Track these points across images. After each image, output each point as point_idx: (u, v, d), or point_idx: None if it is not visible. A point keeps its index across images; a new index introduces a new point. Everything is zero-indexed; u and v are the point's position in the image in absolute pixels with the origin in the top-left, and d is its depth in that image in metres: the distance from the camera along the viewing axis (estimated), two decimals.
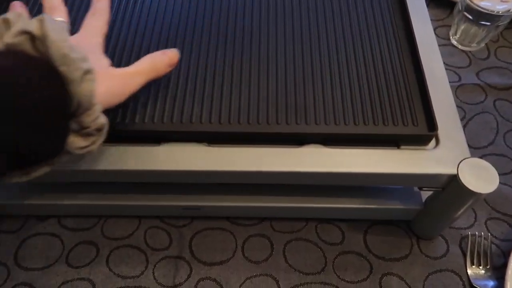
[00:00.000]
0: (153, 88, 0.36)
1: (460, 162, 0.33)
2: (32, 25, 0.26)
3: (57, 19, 0.33)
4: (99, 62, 0.32)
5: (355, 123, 0.35)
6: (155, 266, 0.41)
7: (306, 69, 0.37)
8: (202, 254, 0.42)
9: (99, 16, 0.35)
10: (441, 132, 0.35)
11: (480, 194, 0.33)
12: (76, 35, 0.33)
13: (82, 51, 0.27)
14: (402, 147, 0.35)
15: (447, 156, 0.34)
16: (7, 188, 0.41)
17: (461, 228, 0.43)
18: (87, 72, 0.27)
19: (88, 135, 0.28)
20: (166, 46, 0.39)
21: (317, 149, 0.35)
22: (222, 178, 0.35)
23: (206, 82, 0.37)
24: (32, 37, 0.26)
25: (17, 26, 0.26)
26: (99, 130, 0.28)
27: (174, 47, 0.38)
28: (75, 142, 0.28)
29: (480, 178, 0.33)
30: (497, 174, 0.33)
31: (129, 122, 0.35)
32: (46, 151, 0.27)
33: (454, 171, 0.33)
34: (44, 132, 0.25)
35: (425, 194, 0.40)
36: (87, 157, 0.34)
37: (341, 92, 0.36)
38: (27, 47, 0.26)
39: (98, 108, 0.28)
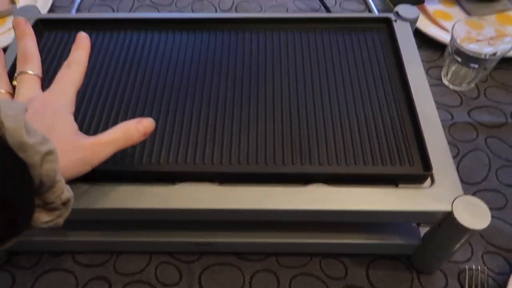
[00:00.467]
0: (167, 130, 0.39)
1: (454, 199, 0.36)
2: None
3: (28, 71, 0.34)
4: (65, 130, 0.31)
5: (355, 164, 0.37)
6: None
7: (309, 114, 0.40)
8: None
9: (75, 67, 0.35)
10: (435, 171, 0.37)
11: (473, 230, 0.35)
12: (45, 92, 0.33)
13: (40, 133, 0.26)
14: (400, 185, 0.37)
15: (442, 194, 0.37)
16: None
17: (459, 262, 0.45)
18: (48, 153, 0.26)
19: (53, 209, 0.28)
20: (179, 92, 0.42)
21: (321, 188, 0.37)
22: (232, 215, 0.37)
23: (217, 126, 0.40)
24: None
25: None
26: (64, 204, 0.28)
27: (188, 93, 0.41)
28: (40, 217, 0.27)
29: (474, 214, 0.35)
30: (489, 211, 0.35)
31: (146, 162, 0.37)
32: (10, 229, 0.26)
33: (449, 208, 0.36)
34: (8, 211, 0.25)
35: (423, 230, 0.42)
36: (105, 195, 0.36)
37: (342, 134, 0.39)
38: None
39: (61, 185, 0.27)
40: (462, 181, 0.50)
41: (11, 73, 0.38)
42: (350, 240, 0.42)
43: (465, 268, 0.44)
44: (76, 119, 0.34)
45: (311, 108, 0.41)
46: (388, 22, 0.49)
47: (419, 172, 0.37)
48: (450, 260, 0.45)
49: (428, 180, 0.38)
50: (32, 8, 0.52)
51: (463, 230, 0.35)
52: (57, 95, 0.33)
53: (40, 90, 0.35)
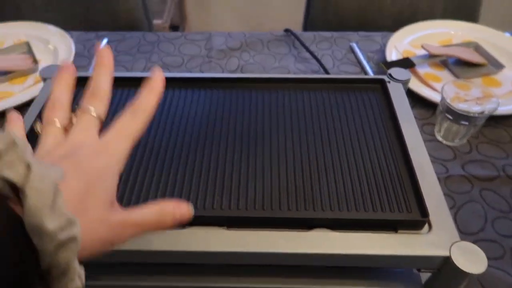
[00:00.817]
0: (179, 179, 0.42)
1: (452, 244, 0.38)
2: (16, 170, 0.22)
3: (92, 111, 0.30)
4: (101, 199, 0.26)
5: (356, 210, 0.40)
6: None
7: (312, 164, 0.43)
8: None
9: (141, 116, 0.31)
10: (432, 218, 0.39)
11: (472, 274, 0.36)
12: (100, 141, 0.29)
13: (67, 213, 0.22)
14: (400, 231, 0.39)
15: (439, 239, 0.38)
16: None
17: None
18: (69, 240, 0.22)
19: None
20: (189, 144, 0.46)
21: (324, 233, 0.39)
22: (238, 258, 0.39)
23: (226, 174, 0.42)
24: (12, 184, 0.22)
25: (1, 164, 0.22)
26: None
27: (198, 145, 0.44)
28: None
29: (471, 259, 0.37)
30: (485, 256, 0.37)
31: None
32: None
33: (447, 253, 0.37)
34: None
35: (424, 277, 0.43)
36: None
37: (343, 183, 0.42)
38: (6, 190, 0.22)
39: (73, 273, 0.23)
40: (460, 231, 0.52)
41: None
42: (352, 286, 0.43)
43: None
44: None
45: (314, 159, 0.44)
46: (382, 83, 0.54)
47: (417, 218, 0.39)
48: None
49: (426, 226, 0.40)
50: (57, 67, 0.57)
51: (462, 274, 0.36)
52: (112, 147, 0.29)
53: (96, 136, 0.30)
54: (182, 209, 0.30)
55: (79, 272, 0.24)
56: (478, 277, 0.48)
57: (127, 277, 0.44)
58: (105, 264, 0.44)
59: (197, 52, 0.81)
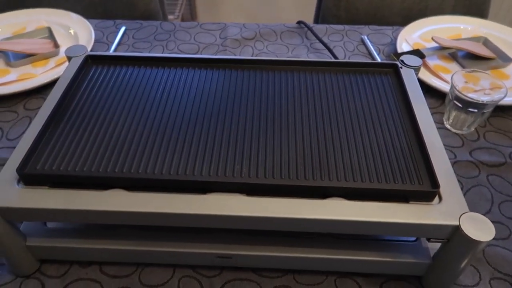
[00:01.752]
0: (200, 147, 0.44)
1: (461, 215, 0.39)
2: None
3: None
4: None
5: (370, 181, 0.41)
6: None
7: (328, 138, 0.45)
8: None
9: None
10: (443, 190, 0.41)
11: (480, 242, 0.38)
12: None
13: None
14: (411, 202, 0.41)
15: (449, 210, 0.40)
16: (51, 232, 0.46)
17: (468, 286, 0.47)
18: None
19: None
20: (216, 116, 0.48)
21: (338, 201, 0.41)
22: (258, 223, 0.41)
23: (245, 144, 0.44)
24: None
25: None
26: None
27: (225, 117, 0.47)
28: None
29: (479, 229, 0.39)
30: (493, 226, 0.39)
31: (181, 173, 0.42)
32: None
33: (456, 223, 0.39)
34: None
35: (433, 251, 0.45)
36: (143, 200, 0.40)
37: (357, 156, 0.44)
38: None
39: None
40: None
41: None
42: (364, 257, 0.45)
43: None
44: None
45: (329, 134, 0.46)
46: (395, 68, 0.56)
47: (428, 189, 0.41)
48: (459, 284, 0.47)
49: (436, 198, 0.41)
50: (81, 47, 0.59)
51: (471, 242, 0.38)
52: None
53: None
54: None
55: None
56: (485, 256, 0.49)
57: (145, 243, 0.46)
58: (125, 231, 0.46)
59: (212, 40, 0.83)
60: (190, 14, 2.09)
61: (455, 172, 0.59)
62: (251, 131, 0.46)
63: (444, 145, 0.63)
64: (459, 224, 0.39)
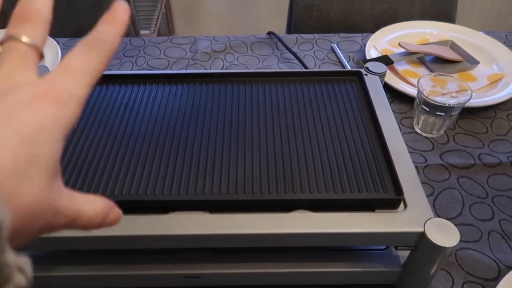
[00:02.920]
0: (163, 165, 0.43)
1: (426, 221, 0.39)
2: None
3: (23, 38, 0.21)
4: (42, 173, 0.19)
5: (335, 191, 0.41)
6: None
7: (292, 149, 0.45)
8: None
9: (97, 47, 0.22)
10: (407, 197, 0.41)
11: (445, 248, 0.38)
12: (43, 82, 0.20)
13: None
14: (377, 210, 0.41)
15: (414, 216, 0.40)
16: None
17: None
18: None
19: None
20: (173, 133, 0.47)
21: (304, 214, 0.40)
22: (222, 241, 0.40)
23: (208, 160, 0.44)
24: None
25: None
26: None
27: (182, 133, 0.46)
28: None
29: (444, 234, 0.38)
30: (457, 231, 0.39)
31: (141, 193, 0.40)
32: None
33: (421, 229, 0.39)
34: None
35: (403, 259, 0.45)
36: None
37: (321, 166, 0.43)
38: None
39: (9, 265, 0.16)
40: (438, 216, 0.53)
41: None
42: (335, 268, 0.44)
43: None
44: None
45: (293, 145, 0.46)
46: (359, 75, 0.56)
47: (393, 197, 0.41)
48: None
49: (402, 206, 0.41)
50: (42, 67, 0.58)
51: (437, 248, 0.38)
52: (60, 91, 0.20)
53: (35, 75, 0.22)
54: (116, 212, 0.26)
55: (17, 263, 0.17)
56: (457, 259, 0.49)
57: (110, 267, 0.44)
58: (87, 255, 0.45)
59: (182, 54, 0.83)
60: (168, 28, 2.09)
61: (425, 176, 0.59)
62: (215, 145, 0.45)
63: (414, 149, 0.64)
64: (424, 231, 0.39)
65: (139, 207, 0.40)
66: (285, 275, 0.44)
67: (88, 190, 0.41)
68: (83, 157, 0.44)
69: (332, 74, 0.56)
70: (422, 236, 0.39)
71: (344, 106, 0.51)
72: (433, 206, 0.55)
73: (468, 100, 0.61)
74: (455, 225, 0.52)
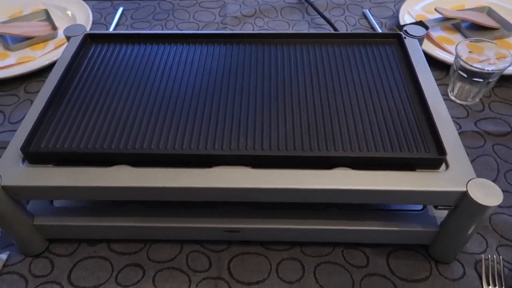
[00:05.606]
0: (205, 120, 0.44)
1: (469, 181, 0.39)
2: None
3: None
4: None
5: (376, 150, 0.41)
6: (197, 285, 0.44)
7: (332, 108, 0.45)
8: (240, 275, 0.45)
9: None
10: (449, 157, 0.41)
11: (488, 207, 0.38)
12: None
13: None
14: (418, 170, 0.41)
15: (456, 177, 0.40)
16: (59, 211, 0.46)
17: (475, 253, 0.47)
18: None
19: None
20: (214, 94, 0.47)
21: (345, 171, 0.41)
22: (263, 196, 0.40)
23: (249, 118, 0.44)
24: None
25: None
26: None
27: (222, 94, 0.46)
28: None
29: (486, 194, 0.38)
30: (501, 191, 0.39)
31: (185, 147, 0.41)
32: None
33: (464, 189, 0.39)
34: None
35: (440, 219, 0.45)
36: (150, 175, 0.40)
37: (362, 125, 0.43)
38: None
39: None
40: None
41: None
42: (370, 227, 0.45)
43: (481, 258, 0.46)
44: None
45: (333, 104, 0.46)
46: (399, 38, 0.55)
47: (435, 156, 0.41)
48: (466, 251, 0.47)
49: (443, 166, 0.41)
50: (80, 26, 0.58)
51: (479, 208, 0.38)
52: None
53: None
54: None
55: None
56: (492, 224, 0.50)
57: (152, 219, 0.46)
58: (132, 207, 0.46)
59: (212, 18, 0.82)
60: None
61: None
62: (255, 104, 0.46)
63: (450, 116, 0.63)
64: (467, 190, 0.39)
65: (183, 161, 0.41)
66: (320, 232, 0.45)
67: (135, 146, 0.42)
68: (131, 115, 0.45)
69: (371, 36, 0.56)
70: (464, 195, 0.39)
71: (384, 68, 0.51)
72: None
73: (508, 67, 0.60)
74: None
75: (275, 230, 0.45)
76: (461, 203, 0.40)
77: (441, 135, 0.42)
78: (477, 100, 0.65)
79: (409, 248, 0.47)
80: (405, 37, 0.56)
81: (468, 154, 0.57)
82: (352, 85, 0.48)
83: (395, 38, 0.55)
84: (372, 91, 0.47)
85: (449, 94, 0.66)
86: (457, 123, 0.62)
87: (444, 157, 0.40)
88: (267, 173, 0.40)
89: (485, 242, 0.48)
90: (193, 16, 0.83)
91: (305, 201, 0.41)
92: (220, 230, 0.45)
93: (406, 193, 0.40)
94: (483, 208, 0.38)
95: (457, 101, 0.65)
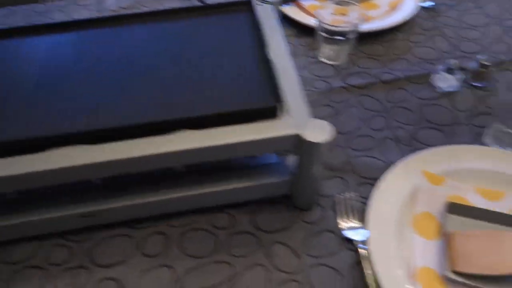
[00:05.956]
0: (40, 105, 0.42)
1: (303, 124, 0.41)
2: None
3: None
4: None
5: (214, 109, 0.41)
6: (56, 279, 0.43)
7: (176, 77, 0.45)
8: (101, 259, 0.44)
9: None
10: (289, 106, 0.42)
11: (318, 144, 0.39)
12: None
13: None
14: (258, 121, 0.41)
15: (292, 122, 0.41)
16: None
17: (334, 195, 0.49)
18: None
19: None
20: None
21: (184, 133, 0.41)
22: (107, 169, 0.40)
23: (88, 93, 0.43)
24: None
25: None
26: None
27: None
28: None
29: (317, 133, 0.40)
30: (330, 128, 0.40)
31: (13, 131, 0.40)
32: None
33: (296, 132, 0.40)
34: None
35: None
36: None
37: (203, 88, 0.44)
38: None
39: None
40: (339, 132, 0.56)
41: None
42: (230, 186, 0.45)
43: (338, 198, 0.48)
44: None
45: (184, 74, 0.46)
46: (249, 5, 0.56)
47: (270, 105, 0.41)
48: (326, 195, 0.49)
49: (284, 115, 0.42)
50: None
51: (311, 146, 0.40)
52: None
53: None
54: None
55: None
56: (352, 166, 0.52)
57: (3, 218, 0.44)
58: None
59: (89, 15, 0.80)
60: None
61: (329, 99, 0.61)
62: (100, 81, 0.45)
63: (319, 76, 0.65)
64: (299, 132, 0.40)
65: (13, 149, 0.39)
66: (182, 200, 0.45)
67: None
68: None
69: (222, 6, 0.56)
70: (298, 137, 0.40)
71: (235, 34, 0.51)
72: (334, 125, 0.57)
73: (361, 24, 0.63)
74: (353, 137, 0.55)
75: (133, 206, 0.45)
76: (298, 146, 0.41)
77: (282, 88, 0.43)
78: (345, 58, 0.68)
79: (274, 202, 0.48)
80: (261, 4, 0.57)
81: (335, 109, 0.60)
82: (201, 54, 0.48)
83: (246, 5, 0.57)
84: (219, 57, 0.48)
85: (319, 57, 0.69)
86: (327, 82, 0.64)
87: (279, 104, 0.41)
88: (107, 147, 0.40)
89: (347, 182, 0.50)
90: (70, 15, 0.81)
91: (149, 168, 0.41)
92: (76, 216, 0.44)
93: (247, 144, 0.40)
94: (315, 145, 0.40)
95: (327, 61, 0.68)
